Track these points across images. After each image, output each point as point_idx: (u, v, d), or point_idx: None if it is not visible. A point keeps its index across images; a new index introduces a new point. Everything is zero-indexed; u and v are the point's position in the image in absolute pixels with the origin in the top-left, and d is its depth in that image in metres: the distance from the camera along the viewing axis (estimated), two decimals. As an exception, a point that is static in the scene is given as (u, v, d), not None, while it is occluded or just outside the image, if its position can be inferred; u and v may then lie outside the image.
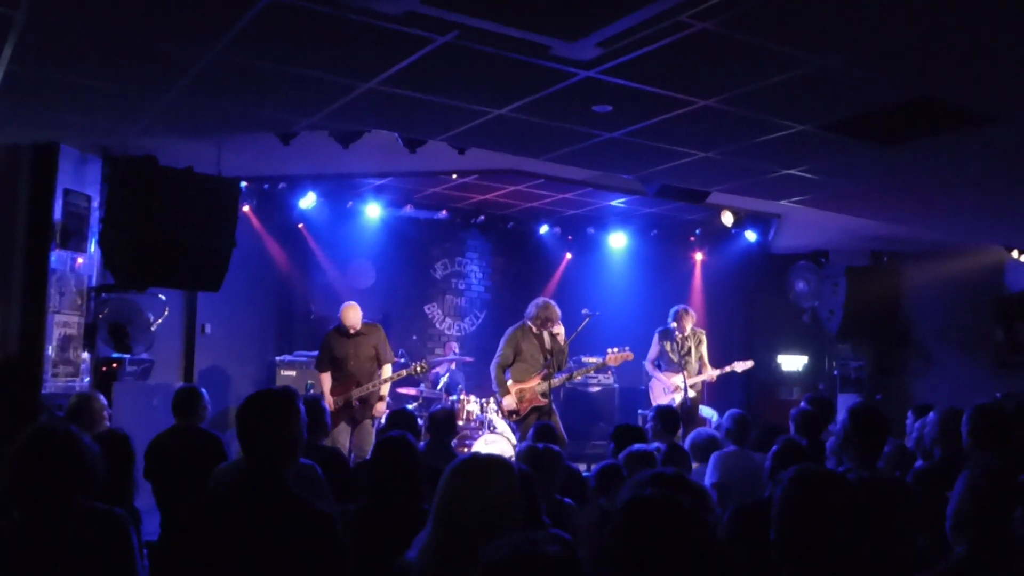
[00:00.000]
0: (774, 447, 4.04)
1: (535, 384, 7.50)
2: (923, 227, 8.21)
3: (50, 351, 6.29)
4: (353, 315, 7.53)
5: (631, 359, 8.06)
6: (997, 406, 3.84)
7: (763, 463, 4.57)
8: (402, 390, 8.95)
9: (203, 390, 5.36)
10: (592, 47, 3.80)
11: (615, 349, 7.96)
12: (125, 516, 2.76)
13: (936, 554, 3.04)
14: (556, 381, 7.64)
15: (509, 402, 7.51)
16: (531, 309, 7.60)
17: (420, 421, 6.92)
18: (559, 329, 7.59)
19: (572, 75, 4.18)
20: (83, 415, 4.88)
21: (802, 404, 5.93)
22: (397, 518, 3.10)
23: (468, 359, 9.71)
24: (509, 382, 7.54)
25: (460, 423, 7.80)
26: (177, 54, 4.10)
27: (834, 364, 10.71)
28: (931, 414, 4.40)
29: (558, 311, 7.57)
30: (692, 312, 8.49)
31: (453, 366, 9.60)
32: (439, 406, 6.56)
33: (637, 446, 4.36)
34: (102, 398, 5.13)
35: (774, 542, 2.23)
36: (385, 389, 7.53)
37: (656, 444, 5.16)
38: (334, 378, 7.53)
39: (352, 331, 7.51)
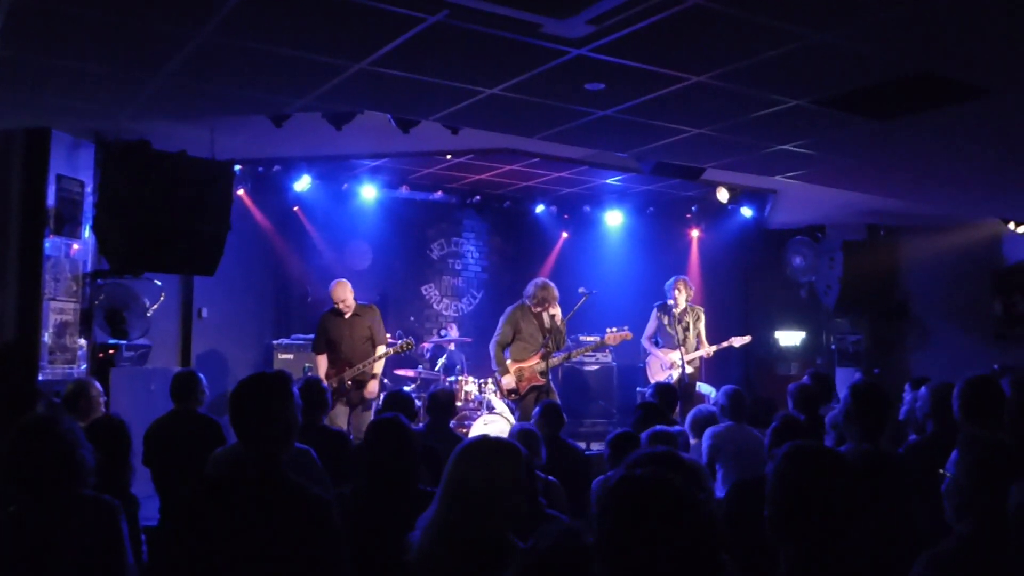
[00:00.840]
0: (773, 423, 4.05)
1: (534, 363, 7.52)
2: (919, 200, 8.19)
3: (46, 338, 6.27)
4: (342, 291, 7.41)
5: (630, 339, 8.06)
6: (987, 378, 3.82)
7: (762, 438, 4.59)
8: (400, 371, 8.96)
9: (201, 374, 5.36)
10: (583, 24, 3.77)
11: (614, 328, 7.97)
12: (114, 503, 2.76)
13: (929, 529, 3.04)
14: (555, 360, 7.66)
15: (508, 381, 7.53)
16: (530, 289, 7.59)
17: (418, 402, 6.93)
18: (556, 310, 7.58)
19: (563, 53, 4.15)
20: (79, 402, 4.91)
21: (804, 379, 5.94)
22: (392, 500, 3.11)
23: (467, 339, 9.71)
24: (508, 361, 7.56)
25: (459, 404, 7.80)
26: (166, 35, 4.07)
27: (831, 339, 10.70)
28: (922, 389, 4.39)
29: (556, 292, 7.55)
30: (689, 282, 8.42)
31: (452, 347, 9.60)
32: (438, 387, 6.55)
33: (660, 427, 4.35)
34: (98, 385, 5.14)
35: (768, 519, 2.23)
36: (377, 368, 7.45)
37: (678, 427, 5.15)
38: (329, 360, 7.48)
39: (347, 311, 7.44)
